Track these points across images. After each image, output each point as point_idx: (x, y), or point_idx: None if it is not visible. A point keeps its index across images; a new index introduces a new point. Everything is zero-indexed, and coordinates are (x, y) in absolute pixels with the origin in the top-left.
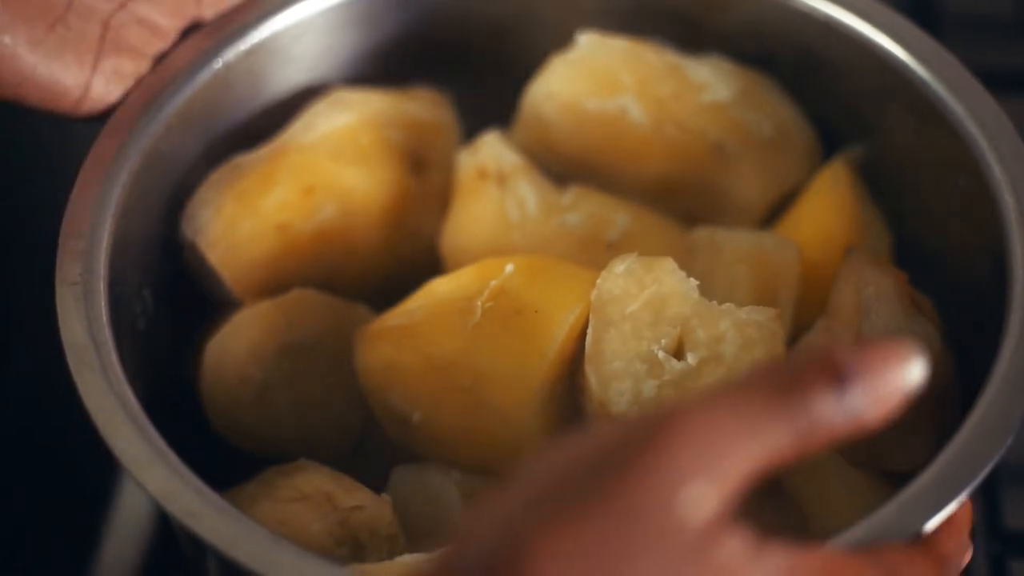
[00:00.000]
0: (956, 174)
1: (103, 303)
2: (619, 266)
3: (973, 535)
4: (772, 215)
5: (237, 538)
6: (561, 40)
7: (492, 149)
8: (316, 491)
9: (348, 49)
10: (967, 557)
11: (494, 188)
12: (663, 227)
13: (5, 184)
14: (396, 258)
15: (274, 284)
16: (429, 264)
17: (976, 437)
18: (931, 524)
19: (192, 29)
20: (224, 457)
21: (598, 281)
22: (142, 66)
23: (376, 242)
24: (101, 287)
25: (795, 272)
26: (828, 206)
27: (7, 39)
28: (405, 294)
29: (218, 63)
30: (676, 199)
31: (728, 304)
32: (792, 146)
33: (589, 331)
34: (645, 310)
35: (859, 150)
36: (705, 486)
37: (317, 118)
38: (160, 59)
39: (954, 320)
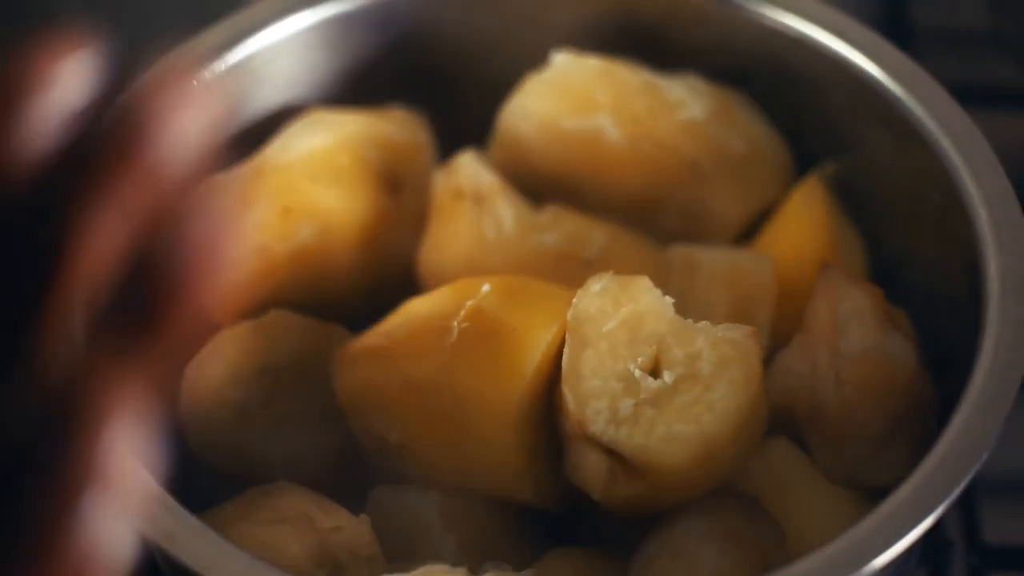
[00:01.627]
0: (930, 190)
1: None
2: (595, 285)
3: (951, 548)
4: (748, 232)
5: (214, 561)
6: (536, 59)
7: (468, 169)
8: (295, 512)
9: (324, 70)
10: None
11: (471, 208)
12: (639, 245)
13: None
14: (374, 279)
15: (251, 306)
16: (406, 284)
17: (953, 452)
18: (909, 540)
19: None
20: (202, 478)
21: (574, 300)
22: None
23: (353, 263)
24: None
25: (771, 289)
26: (803, 223)
27: None
28: (383, 315)
29: (193, 84)
30: (652, 217)
31: (704, 322)
32: (766, 163)
33: (566, 350)
34: (621, 329)
35: (833, 166)
36: None
37: (293, 139)
38: None
39: (930, 335)
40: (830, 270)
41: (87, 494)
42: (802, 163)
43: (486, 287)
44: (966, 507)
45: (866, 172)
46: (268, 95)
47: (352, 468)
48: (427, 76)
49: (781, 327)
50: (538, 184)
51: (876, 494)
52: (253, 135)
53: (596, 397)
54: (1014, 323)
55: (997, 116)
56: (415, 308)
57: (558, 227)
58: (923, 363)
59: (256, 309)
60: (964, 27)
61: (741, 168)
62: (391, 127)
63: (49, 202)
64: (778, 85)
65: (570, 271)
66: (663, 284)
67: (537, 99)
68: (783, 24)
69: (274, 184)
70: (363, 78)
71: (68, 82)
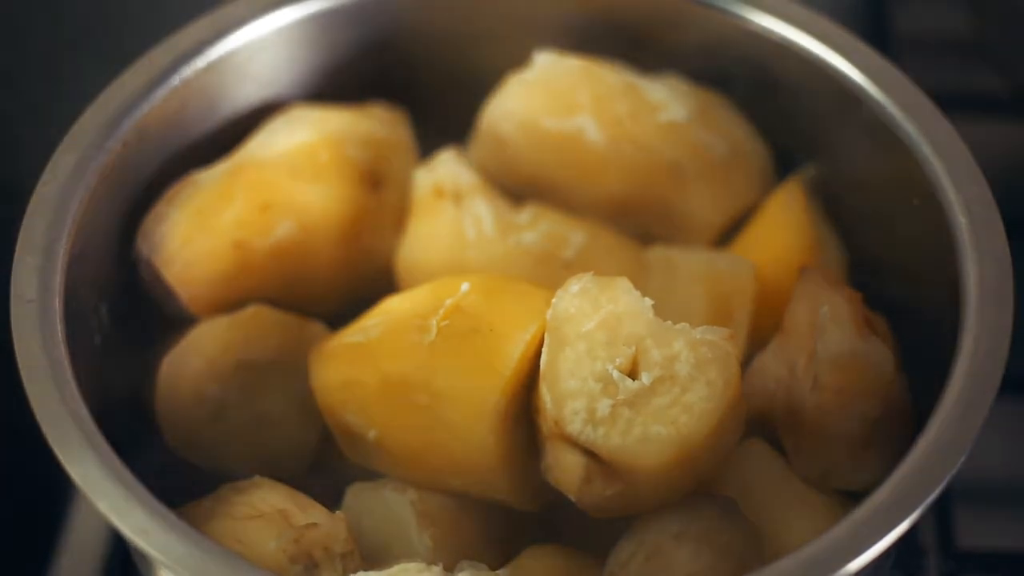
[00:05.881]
0: (910, 195)
1: (58, 320)
2: (574, 285)
3: (926, 553)
4: (727, 234)
5: (189, 556)
6: (518, 59)
7: (449, 167)
8: (271, 508)
9: (305, 66)
10: None
11: (450, 206)
12: (619, 246)
13: None
14: (352, 275)
15: (230, 301)
16: (386, 281)
17: (929, 456)
18: (884, 544)
19: None
20: (179, 474)
21: (553, 300)
22: None
23: (333, 259)
24: (57, 304)
25: (750, 291)
26: (783, 226)
27: None
28: (361, 311)
29: (175, 80)
30: (632, 218)
31: (682, 323)
32: (747, 166)
33: (544, 350)
34: (600, 329)
35: (814, 170)
36: None
37: (274, 135)
38: None
39: (908, 339)
40: (809, 273)
41: None
42: (782, 166)
43: (465, 286)
44: (941, 512)
45: (846, 176)
46: (250, 91)
47: (328, 464)
48: (409, 73)
49: (759, 330)
50: (518, 183)
51: (852, 497)
52: (234, 130)
53: (574, 397)
54: (992, 330)
55: (977, 122)
56: (394, 305)
57: (538, 226)
58: (901, 368)
59: (234, 304)
60: (946, 33)
61: (721, 170)
62: (372, 124)
63: None
64: (760, 88)
65: (549, 271)
66: (642, 285)
67: (518, 98)
68: (765, 28)
69: (254, 180)
70: (345, 74)
71: None
